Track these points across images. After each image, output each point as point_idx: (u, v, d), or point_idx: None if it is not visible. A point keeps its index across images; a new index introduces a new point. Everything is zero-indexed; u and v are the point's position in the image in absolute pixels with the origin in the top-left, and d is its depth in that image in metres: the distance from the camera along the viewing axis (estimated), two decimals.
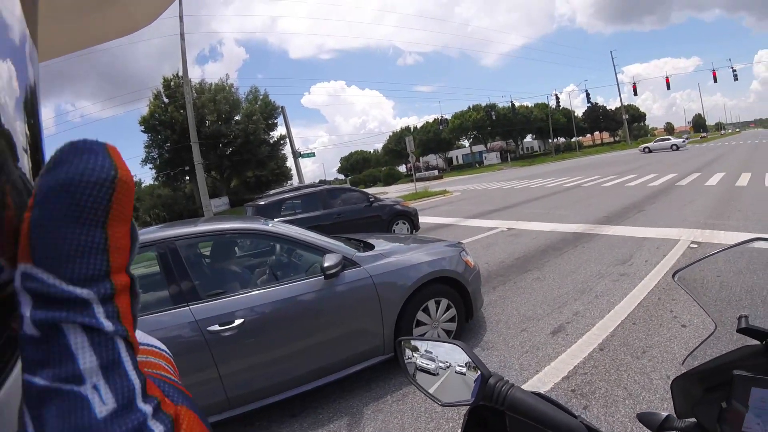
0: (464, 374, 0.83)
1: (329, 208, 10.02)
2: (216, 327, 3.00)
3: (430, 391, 0.86)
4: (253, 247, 4.47)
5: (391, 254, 3.84)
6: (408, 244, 4.30)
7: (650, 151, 43.15)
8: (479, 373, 0.78)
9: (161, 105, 42.04)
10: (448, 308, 3.93)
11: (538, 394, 0.74)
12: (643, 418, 0.76)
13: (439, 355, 0.88)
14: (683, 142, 43.94)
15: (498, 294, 5.41)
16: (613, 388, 3.05)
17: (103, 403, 0.22)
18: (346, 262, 3.50)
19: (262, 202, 10.30)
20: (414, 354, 0.93)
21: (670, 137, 49.66)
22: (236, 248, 4.28)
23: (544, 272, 6.10)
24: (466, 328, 4.26)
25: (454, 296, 3.97)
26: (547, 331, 4.16)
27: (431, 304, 3.84)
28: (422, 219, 11.98)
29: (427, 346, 0.92)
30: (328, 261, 3.34)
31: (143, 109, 43.34)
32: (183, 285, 3.13)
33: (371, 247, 4.04)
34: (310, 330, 3.34)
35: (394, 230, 10.46)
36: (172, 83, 41.85)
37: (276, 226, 4.01)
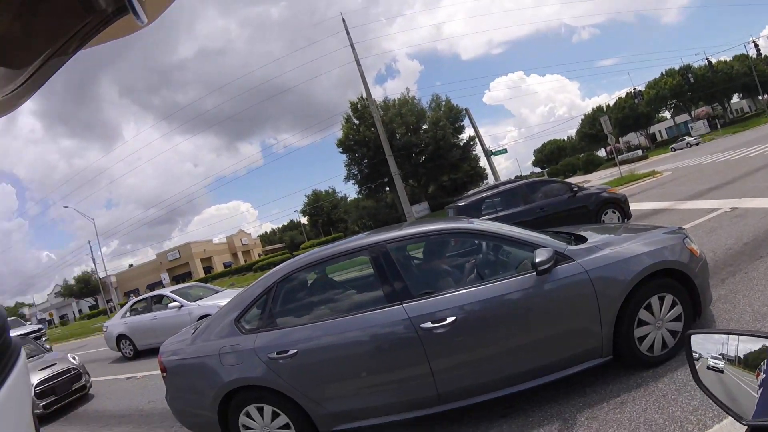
0: None
1: (531, 202, 9.68)
2: (429, 324, 3.08)
3: (724, 400, 0.69)
4: (460, 247, 4.47)
5: (606, 246, 3.47)
6: (622, 234, 3.87)
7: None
8: None
9: (353, 127, 46.04)
10: (673, 305, 3.39)
11: None
12: None
13: (728, 352, 0.70)
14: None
15: (728, 287, 4.52)
16: None
17: None
18: (558, 257, 3.25)
19: (462, 203, 10.45)
20: (703, 353, 0.75)
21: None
22: (444, 248, 4.35)
23: None
24: (692, 328, 3.62)
25: (679, 291, 3.41)
26: None
27: (654, 300, 3.35)
28: (632, 206, 10.76)
29: (724, 341, 0.74)
30: (540, 256, 3.13)
31: (338, 133, 47.70)
32: (396, 285, 3.30)
33: (583, 239, 3.72)
34: (521, 329, 3.22)
35: (603, 220, 9.64)
36: (359, 105, 45.48)
37: (480, 223, 3.97)
